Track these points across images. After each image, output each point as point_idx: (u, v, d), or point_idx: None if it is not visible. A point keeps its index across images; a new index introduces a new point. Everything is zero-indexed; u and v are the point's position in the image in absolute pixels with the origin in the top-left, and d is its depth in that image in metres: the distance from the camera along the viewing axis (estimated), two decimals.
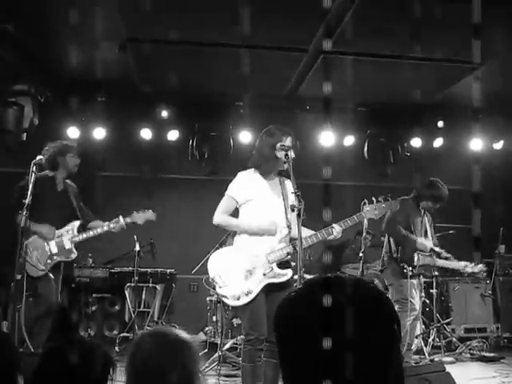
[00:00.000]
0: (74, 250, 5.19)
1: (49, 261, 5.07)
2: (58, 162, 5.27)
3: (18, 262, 4.49)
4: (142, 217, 5.35)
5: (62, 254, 5.14)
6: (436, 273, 6.02)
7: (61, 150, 5.27)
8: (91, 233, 5.22)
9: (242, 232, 4.14)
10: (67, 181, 5.44)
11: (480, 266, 6.16)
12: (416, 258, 5.83)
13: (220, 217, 4.14)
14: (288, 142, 4.12)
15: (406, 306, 5.70)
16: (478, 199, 7.52)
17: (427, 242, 5.95)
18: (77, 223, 5.27)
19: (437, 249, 6.14)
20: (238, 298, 3.98)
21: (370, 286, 1.13)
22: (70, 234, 5.18)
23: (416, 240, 5.88)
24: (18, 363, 1.95)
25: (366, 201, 4.29)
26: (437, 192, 6.00)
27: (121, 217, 5.26)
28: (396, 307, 5.63)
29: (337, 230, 4.10)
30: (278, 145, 4.06)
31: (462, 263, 6.15)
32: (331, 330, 1.03)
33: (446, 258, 6.18)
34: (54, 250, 5.12)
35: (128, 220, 5.28)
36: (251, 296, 3.97)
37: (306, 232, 4.13)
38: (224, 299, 4.09)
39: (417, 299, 5.87)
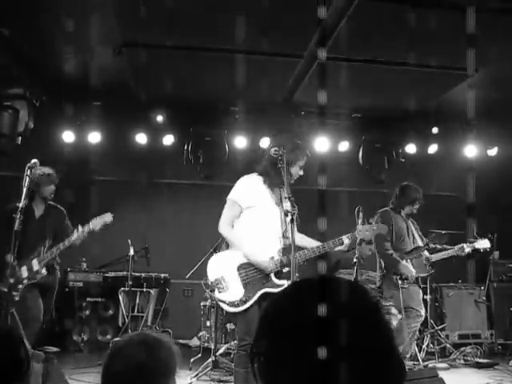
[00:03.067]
0: (42, 270, 5.31)
1: (20, 286, 5.23)
2: (33, 192, 5.36)
3: (12, 265, 4.49)
4: (98, 222, 5.33)
5: (30, 276, 5.29)
6: (432, 270, 5.97)
7: (36, 183, 5.28)
8: (54, 250, 5.31)
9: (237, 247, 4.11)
10: (51, 203, 5.57)
11: (483, 240, 6.14)
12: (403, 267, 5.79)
13: (224, 228, 4.12)
14: (302, 163, 4.22)
15: (410, 313, 5.68)
16: (471, 205, 7.54)
17: (411, 268, 5.81)
18: (46, 244, 5.40)
19: (430, 245, 6.13)
20: (236, 305, 3.97)
21: (363, 287, 1.11)
22: (37, 256, 5.33)
23: (400, 263, 5.78)
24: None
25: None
26: (411, 194, 6.04)
27: (79, 226, 5.29)
28: (400, 316, 5.65)
29: (346, 242, 4.11)
30: (273, 150, 4.04)
31: (457, 246, 6.10)
32: (320, 330, 1.02)
33: (441, 250, 6.16)
34: (25, 274, 5.27)
35: (86, 229, 5.28)
36: (248, 304, 3.97)
37: (308, 241, 4.15)
38: (221, 304, 4.06)
39: (421, 305, 5.83)
